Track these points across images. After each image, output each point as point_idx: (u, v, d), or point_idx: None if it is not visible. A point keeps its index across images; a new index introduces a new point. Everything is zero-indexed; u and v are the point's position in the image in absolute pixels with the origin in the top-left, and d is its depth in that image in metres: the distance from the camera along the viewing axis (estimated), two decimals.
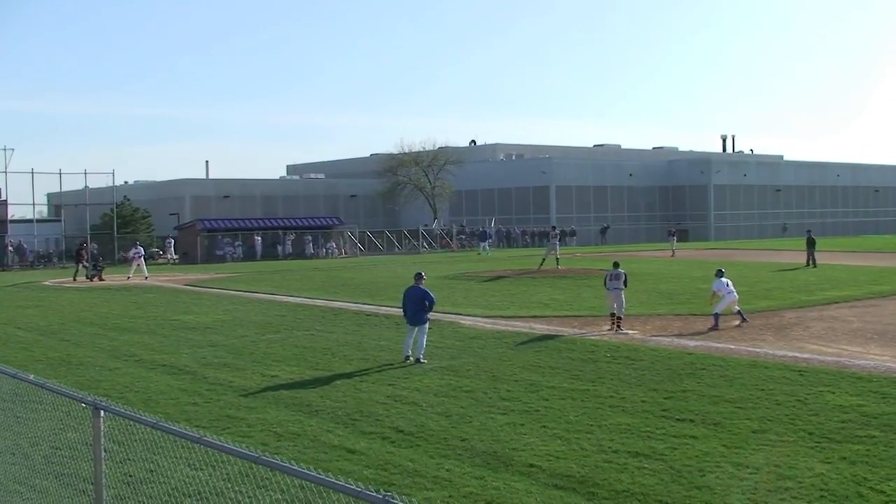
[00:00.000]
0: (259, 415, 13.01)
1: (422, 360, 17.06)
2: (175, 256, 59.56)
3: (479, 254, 58.83)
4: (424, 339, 17.46)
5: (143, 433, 9.18)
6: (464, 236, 72.77)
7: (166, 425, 6.68)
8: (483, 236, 64.34)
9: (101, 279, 41.21)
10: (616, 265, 21.70)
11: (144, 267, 42.47)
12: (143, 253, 43.42)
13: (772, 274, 37.22)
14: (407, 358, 17.19)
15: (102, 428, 7.14)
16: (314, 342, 20.03)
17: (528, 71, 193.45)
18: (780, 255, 49.59)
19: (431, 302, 17.52)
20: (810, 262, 40.29)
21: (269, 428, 12.20)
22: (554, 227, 51.87)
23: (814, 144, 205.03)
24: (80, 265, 42.96)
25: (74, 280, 41.39)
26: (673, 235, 58.43)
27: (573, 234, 76.66)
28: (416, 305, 17.44)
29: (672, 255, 52.50)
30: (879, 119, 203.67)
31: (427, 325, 17.63)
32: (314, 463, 10.03)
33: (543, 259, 41.51)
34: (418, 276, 17.95)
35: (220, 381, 15.75)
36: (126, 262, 45.48)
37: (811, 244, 41.05)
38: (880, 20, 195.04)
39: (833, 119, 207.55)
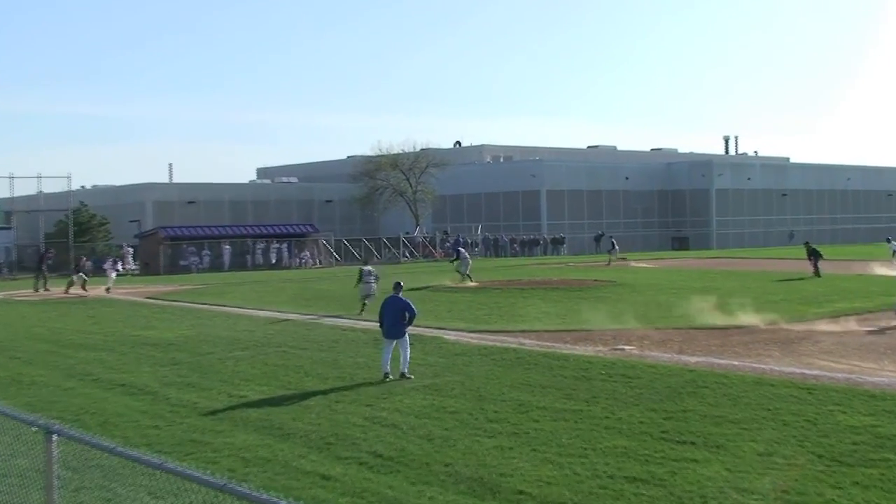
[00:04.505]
0: (226, 438, 12.94)
1: (408, 375, 17.08)
2: (135, 267, 59.32)
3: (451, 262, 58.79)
4: (408, 353, 17.51)
5: (99, 459, 9.12)
6: (448, 244, 72.76)
7: (125, 450, 6.64)
8: (456, 244, 64.09)
9: (84, 289, 40.62)
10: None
11: (111, 279, 42.29)
12: (117, 267, 43.44)
13: (777, 284, 37.42)
14: (386, 375, 17.15)
15: (55, 453, 7.09)
16: (286, 360, 19.96)
17: (517, 66, 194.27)
18: (787, 264, 49.87)
19: (412, 315, 17.56)
20: (817, 271, 40.57)
21: (237, 453, 12.14)
22: (446, 233, 51.73)
23: (822, 146, 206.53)
24: (42, 273, 42.89)
25: (37, 291, 41.28)
26: (613, 248, 57.26)
27: (562, 241, 76.94)
28: (395, 317, 17.48)
29: (608, 265, 53.48)
30: (892, 119, 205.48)
31: (407, 337, 17.65)
32: (285, 491, 9.98)
33: (462, 276, 39.51)
34: (397, 286, 18.08)
35: (184, 402, 15.68)
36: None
37: (814, 254, 41.29)
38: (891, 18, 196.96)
39: (843, 119, 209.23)
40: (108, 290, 40.79)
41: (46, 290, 41.80)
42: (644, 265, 54.53)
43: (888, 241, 53.39)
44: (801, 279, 39.33)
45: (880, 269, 42.73)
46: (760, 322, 24.31)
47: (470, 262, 40.14)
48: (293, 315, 29.04)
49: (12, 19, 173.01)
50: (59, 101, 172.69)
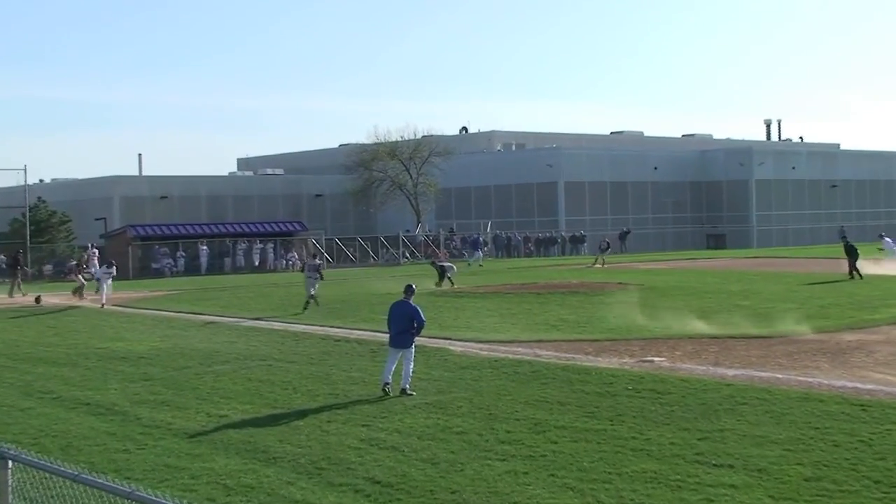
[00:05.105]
0: (205, 463, 12.98)
1: (408, 392, 17.15)
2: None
3: (468, 265, 59.03)
4: (411, 367, 17.57)
5: (61, 487, 9.11)
6: (454, 244, 72.81)
7: (90, 478, 6.65)
8: (475, 244, 64.94)
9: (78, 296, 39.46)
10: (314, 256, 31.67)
11: (108, 287, 38.77)
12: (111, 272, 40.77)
13: (825, 287, 37.39)
14: (386, 387, 17.20)
15: (10, 482, 7.10)
16: (271, 374, 20.02)
17: (530, 43, 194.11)
18: (836, 264, 49.73)
19: (420, 324, 17.67)
20: (853, 273, 40.60)
21: (217, 479, 12.19)
22: (451, 231, 52.76)
23: (877, 131, 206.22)
24: (18, 277, 43.15)
25: (10, 296, 41.47)
26: (605, 249, 58.08)
27: (582, 239, 76.89)
28: (403, 324, 17.62)
29: (602, 266, 54.54)
30: None
31: (413, 350, 17.73)
32: None
33: (444, 280, 41.37)
34: (408, 290, 18.18)
35: (157, 422, 15.72)
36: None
37: (850, 252, 41.39)
38: None
39: None
40: (100, 296, 38.18)
41: (11, 297, 41.93)
42: (645, 266, 54.53)
43: (881, 237, 53.02)
44: (848, 280, 39.50)
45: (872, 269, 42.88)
46: (806, 329, 24.29)
47: (456, 269, 44.00)
48: (279, 324, 29.08)
49: None
50: (10, 84, 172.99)
